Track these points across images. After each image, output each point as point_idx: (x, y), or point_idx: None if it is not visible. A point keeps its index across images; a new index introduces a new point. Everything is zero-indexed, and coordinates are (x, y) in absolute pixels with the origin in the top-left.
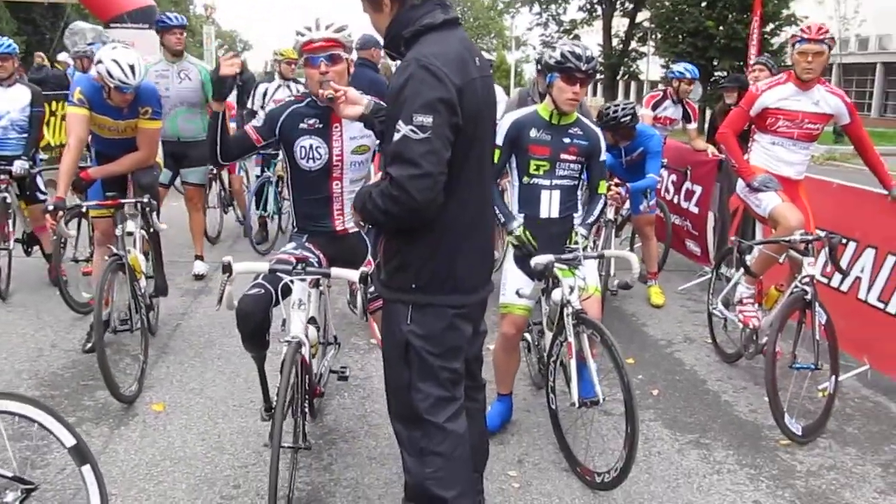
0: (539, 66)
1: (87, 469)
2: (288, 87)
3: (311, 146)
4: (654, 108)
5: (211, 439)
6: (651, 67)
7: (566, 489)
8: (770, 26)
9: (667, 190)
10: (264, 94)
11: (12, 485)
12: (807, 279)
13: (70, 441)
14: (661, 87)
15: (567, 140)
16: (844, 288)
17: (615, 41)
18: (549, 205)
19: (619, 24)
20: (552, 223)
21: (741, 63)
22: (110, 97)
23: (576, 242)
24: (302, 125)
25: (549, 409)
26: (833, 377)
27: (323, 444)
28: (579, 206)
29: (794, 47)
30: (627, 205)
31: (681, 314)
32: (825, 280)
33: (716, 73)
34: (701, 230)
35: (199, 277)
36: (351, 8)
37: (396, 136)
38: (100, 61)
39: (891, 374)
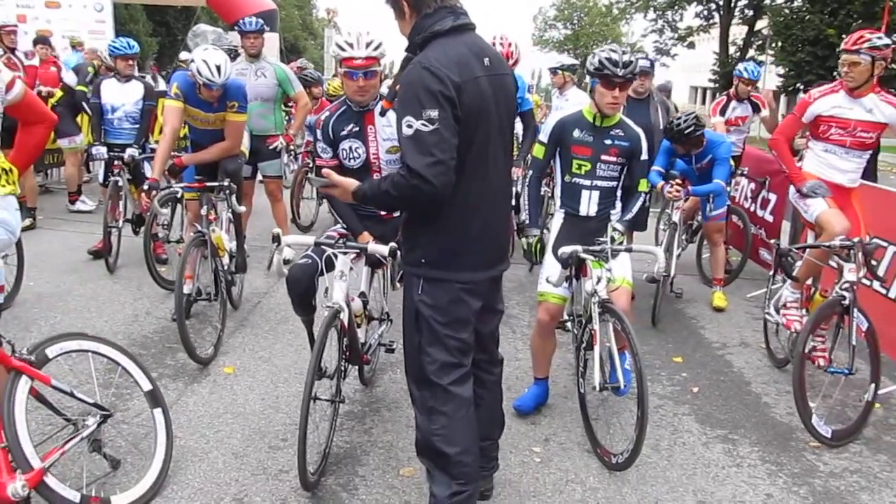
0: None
1: (158, 412)
2: None
3: (350, 147)
4: (723, 112)
5: (269, 399)
6: (768, 77)
7: (584, 468)
8: None
9: (745, 198)
10: None
11: (93, 410)
12: (846, 284)
13: (147, 386)
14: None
15: (608, 142)
16: None
17: (732, 49)
18: (588, 203)
19: (737, 31)
20: (590, 220)
21: None
22: (201, 92)
23: (612, 238)
24: (342, 132)
25: (578, 393)
26: (872, 384)
27: (368, 410)
28: (617, 205)
29: None
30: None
31: (743, 320)
32: (884, 290)
33: None
34: (774, 238)
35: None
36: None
37: (409, 132)
38: (192, 60)
39: None
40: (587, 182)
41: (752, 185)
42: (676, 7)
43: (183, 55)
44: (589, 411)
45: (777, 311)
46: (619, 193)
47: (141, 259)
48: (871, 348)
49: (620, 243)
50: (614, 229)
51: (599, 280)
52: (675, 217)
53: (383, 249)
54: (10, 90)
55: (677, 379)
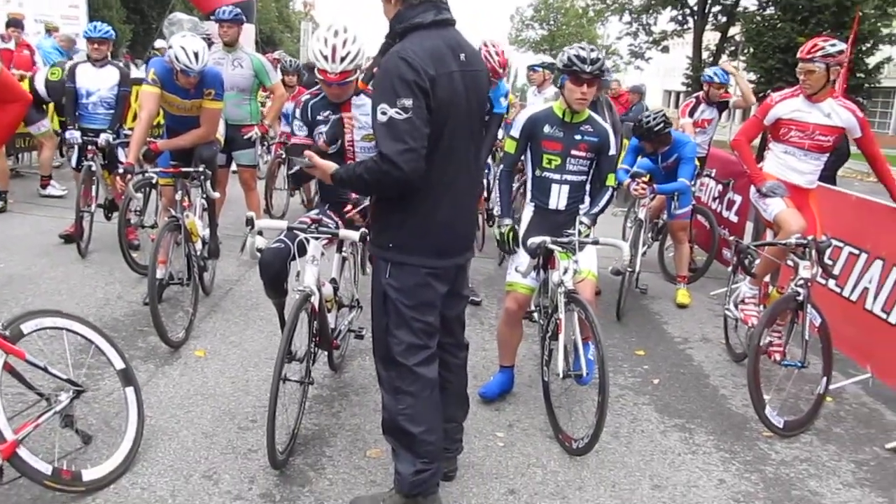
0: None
1: (130, 390)
2: None
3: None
4: (691, 114)
5: (239, 382)
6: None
7: (546, 452)
8: (865, 45)
9: (712, 199)
10: None
11: (66, 386)
12: (801, 281)
13: (120, 364)
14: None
15: (578, 137)
16: (854, 297)
17: (705, 54)
18: (558, 197)
19: (711, 37)
20: (559, 213)
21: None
22: (178, 79)
23: (579, 231)
24: (319, 117)
25: (542, 381)
26: (824, 378)
27: (336, 395)
28: (586, 199)
29: None
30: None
31: (705, 317)
32: (838, 289)
33: None
34: (735, 236)
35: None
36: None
37: (383, 118)
38: (170, 46)
39: (891, 384)
40: (557, 176)
41: (719, 187)
42: (651, 11)
43: (158, 43)
44: (552, 399)
45: (736, 306)
46: (587, 188)
47: (113, 244)
48: (824, 343)
49: (587, 236)
50: (581, 222)
51: (566, 271)
52: (641, 214)
53: (354, 235)
54: None
55: (639, 371)
